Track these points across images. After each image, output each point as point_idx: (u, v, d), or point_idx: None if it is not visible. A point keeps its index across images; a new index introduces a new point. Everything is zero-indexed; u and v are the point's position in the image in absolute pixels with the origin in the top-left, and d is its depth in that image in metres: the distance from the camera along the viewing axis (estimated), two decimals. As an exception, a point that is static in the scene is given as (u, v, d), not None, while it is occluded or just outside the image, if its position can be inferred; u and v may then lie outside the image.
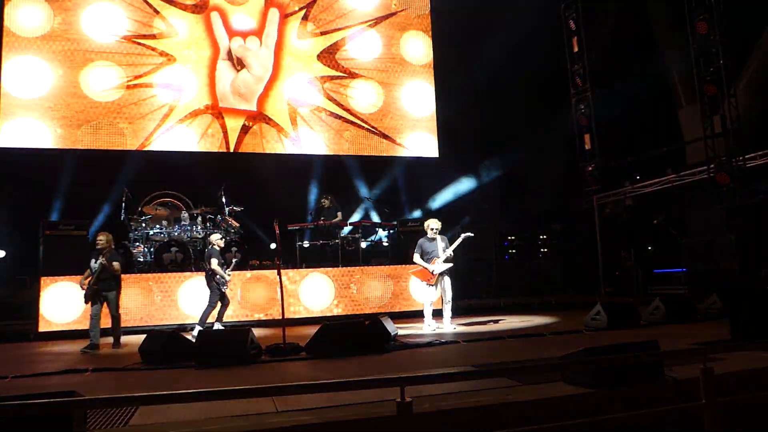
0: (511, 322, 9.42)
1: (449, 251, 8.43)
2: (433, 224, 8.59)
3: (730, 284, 10.48)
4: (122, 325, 9.34)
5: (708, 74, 12.46)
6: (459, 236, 8.46)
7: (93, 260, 7.71)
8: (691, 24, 12.74)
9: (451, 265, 8.46)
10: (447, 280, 8.49)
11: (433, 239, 8.55)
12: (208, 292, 8.65)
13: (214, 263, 8.59)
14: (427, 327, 8.41)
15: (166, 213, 10.52)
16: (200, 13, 12.59)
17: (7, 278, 11.61)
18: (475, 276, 12.70)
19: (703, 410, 3.43)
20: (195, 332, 8.23)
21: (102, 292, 7.68)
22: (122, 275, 9.57)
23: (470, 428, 3.68)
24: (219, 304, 8.73)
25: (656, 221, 14.17)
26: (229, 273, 8.82)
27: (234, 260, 9.32)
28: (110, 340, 7.90)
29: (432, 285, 8.48)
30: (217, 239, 8.98)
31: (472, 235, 8.51)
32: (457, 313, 9.69)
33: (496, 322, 9.46)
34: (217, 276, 8.62)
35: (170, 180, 11.65)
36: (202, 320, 8.64)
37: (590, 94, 15.55)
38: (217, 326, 8.73)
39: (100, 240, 7.82)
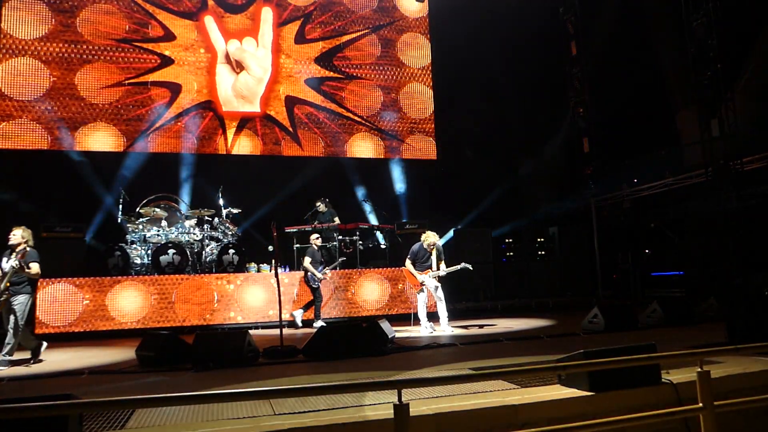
0: (508, 324, 9.42)
1: (443, 272, 8.41)
2: (431, 239, 8.43)
3: (727, 287, 10.48)
4: (119, 326, 9.38)
5: (705, 78, 12.48)
6: (459, 264, 8.39)
7: (5, 259, 6.32)
8: (689, 27, 12.78)
9: (438, 284, 8.46)
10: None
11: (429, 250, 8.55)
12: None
13: (306, 261, 9.44)
14: (424, 329, 8.41)
15: (164, 215, 10.50)
16: (194, 19, 12.58)
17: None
18: (473, 278, 12.69)
19: (700, 413, 3.44)
20: (317, 324, 9.23)
21: (11, 296, 6.26)
22: (118, 277, 9.62)
23: (467, 431, 3.68)
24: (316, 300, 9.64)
25: (654, 224, 14.19)
26: (326, 271, 9.69)
27: (340, 259, 10.40)
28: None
29: (419, 291, 8.53)
30: (314, 238, 9.74)
31: (471, 268, 8.42)
32: (454, 315, 9.69)
33: (493, 324, 9.45)
34: (309, 273, 9.44)
35: (168, 182, 11.64)
36: (316, 315, 9.60)
37: (588, 97, 15.58)
38: (319, 323, 9.38)
39: (14, 235, 6.41)
